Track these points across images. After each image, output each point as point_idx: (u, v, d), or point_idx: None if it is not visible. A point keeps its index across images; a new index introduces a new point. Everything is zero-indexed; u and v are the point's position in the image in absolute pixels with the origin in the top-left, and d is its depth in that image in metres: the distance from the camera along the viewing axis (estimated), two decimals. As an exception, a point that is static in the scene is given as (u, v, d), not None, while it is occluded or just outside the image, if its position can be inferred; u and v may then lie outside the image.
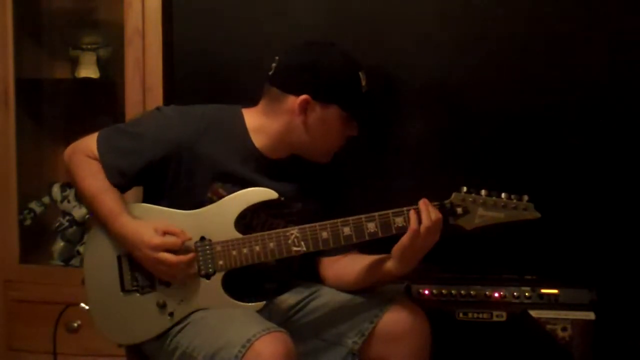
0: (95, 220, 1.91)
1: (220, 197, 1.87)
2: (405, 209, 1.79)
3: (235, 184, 1.87)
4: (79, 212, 2.77)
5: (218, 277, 1.85)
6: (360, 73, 1.87)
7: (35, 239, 2.81)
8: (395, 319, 1.88)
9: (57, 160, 2.93)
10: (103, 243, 1.90)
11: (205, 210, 1.87)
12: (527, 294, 2.35)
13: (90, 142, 1.91)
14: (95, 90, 2.83)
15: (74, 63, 2.80)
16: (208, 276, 1.85)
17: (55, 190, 2.81)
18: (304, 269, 2.03)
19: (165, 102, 2.61)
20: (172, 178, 1.88)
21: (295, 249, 1.82)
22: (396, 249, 1.79)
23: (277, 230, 1.84)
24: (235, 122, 1.92)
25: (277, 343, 1.66)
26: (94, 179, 1.87)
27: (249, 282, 1.89)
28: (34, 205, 2.79)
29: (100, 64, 2.78)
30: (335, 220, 1.81)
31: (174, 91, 2.69)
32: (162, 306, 1.85)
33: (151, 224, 1.82)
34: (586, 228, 2.60)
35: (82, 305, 1.93)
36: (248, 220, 1.88)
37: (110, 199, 1.86)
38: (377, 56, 2.61)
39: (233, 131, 1.91)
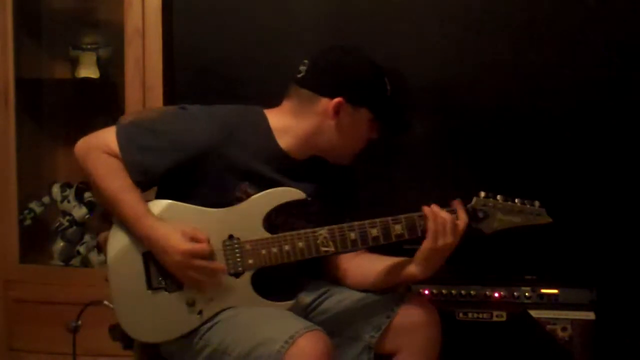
0: (116, 219, 1.87)
1: (249, 196, 1.86)
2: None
3: (262, 184, 1.87)
4: (79, 212, 2.77)
5: (247, 275, 1.85)
6: (385, 78, 1.91)
7: (35, 239, 2.81)
8: (409, 313, 1.90)
9: (57, 160, 2.94)
10: (126, 240, 1.86)
11: (233, 209, 1.86)
12: (527, 294, 2.35)
13: (107, 138, 1.86)
14: (95, 90, 2.83)
15: (74, 63, 2.80)
16: (237, 275, 1.85)
17: (55, 190, 2.81)
18: (313, 268, 2.04)
19: (165, 102, 2.61)
20: (200, 178, 1.86)
21: (324, 249, 1.83)
22: (419, 253, 1.83)
23: (306, 230, 1.84)
24: (260, 123, 1.91)
25: (319, 341, 1.68)
26: (115, 177, 1.83)
27: (272, 281, 1.88)
28: (34, 205, 2.79)
29: (100, 64, 2.78)
30: (363, 222, 1.83)
31: (174, 91, 2.69)
32: (191, 305, 1.84)
33: (178, 227, 1.80)
34: (586, 228, 2.60)
35: (106, 302, 1.90)
36: (274, 219, 1.88)
37: (133, 199, 1.82)
38: (377, 56, 2.61)
39: (258, 132, 1.90)
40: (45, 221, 2.84)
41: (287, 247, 1.83)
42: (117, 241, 1.87)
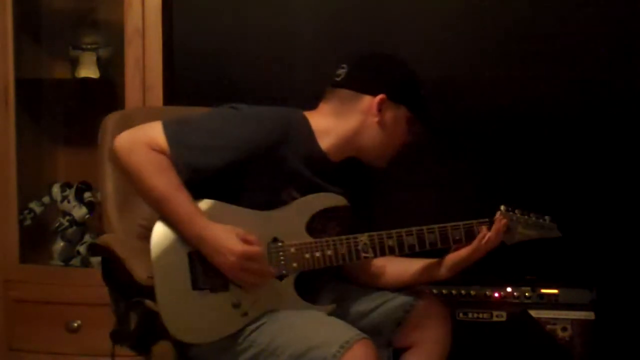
0: (164, 219, 1.83)
1: (293, 199, 1.88)
2: (461, 223, 1.89)
3: (305, 187, 1.89)
4: (79, 212, 2.77)
5: (290, 278, 1.85)
6: (417, 79, 1.97)
7: (35, 239, 2.80)
8: (425, 309, 1.97)
9: (57, 160, 2.94)
10: (172, 239, 1.82)
11: (278, 212, 1.86)
12: (527, 294, 2.35)
13: (154, 134, 1.80)
14: (95, 90, 2.83)
15: (74, 63, 2.80)
16: (281, 277, 1.85)
17: (55, 190, 2.81)
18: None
19: (165, 102, 2.61)
20: (249, 179, 1.85)
21: (364, 255, 1.87)
22: (450, 259, 1.91)
23: (347, 236, 1.87)
24: (303, 125, 1.92)
25: (371, 349, 1.71)
26: (164, 175, 1.78)
27: (311, 284, 1.91)
28: (34, 205, 2.79)
29: (100, 64, 2.78)
30: (400, 230, 1.88)
31: (174, 91, 2.69)
32: (236, 306, 1.82)
33: (232, 229, 1.78)
34: (586, 228, 2.60)
35: (148, 302, 1.84)
36: (315, 224, 1.90)
37: (184, 198, 1.79)
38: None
39: (301, 134, 1.91)
40: (45, 221, 2.84)
41: (329, 252, 1.86)
42: (162, 240, 1.83)
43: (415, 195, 2.58)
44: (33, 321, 2.66)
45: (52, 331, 2.62)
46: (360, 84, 1.92)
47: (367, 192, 2.05)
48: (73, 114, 2.86)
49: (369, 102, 1.91)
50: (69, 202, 2.79)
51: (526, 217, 1.94)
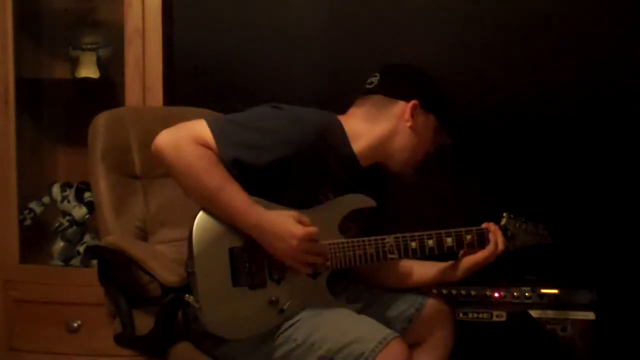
0: (218, 213, 1.82)
1: (328, 199, 1.92)
2: (474, 228, 1.96)
3: (339, 188, 1.93)
4: (79, 212, 2.77)
5: (324, 276, 1.90)
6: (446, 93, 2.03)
7: (35, 239, 2.81)
8: (433, 307, 2.03)
9: (57, 160, 2.94)
10: (215, 235, 1.83)
11: (313, 211, 1.89)
12: (527, 294, 2.35)
13: (200, 130, 1.81)
14: (95, 90, 2.83)
15: (74, 63, 2.80)
16: (314, 275, 1.89)
17: (55, 190, 2.81)
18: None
19: (165, 102, 2.61)
20: (289, 178, 1.87)
21: (390, 256, 1.92)
22: (469, 261, 1.97)
23: (375, 237, 1.91)
24: (338, 128, 1.96)
25: (406, 348, 1.78)
26: (216, 169, 1.79)
27: (337, 283, 1.96)
28: (34, 205, 2.79)
29: (100, 64, 2.78)
30: (422, 233, 1.93)
31: (174, 91, 2.69)
32: (274, 302, 1.84)
33: (289, 213, 1.82)
34: (586, 228, 2.60)
35: (187, 296, 1.83)
36: (346, 224, 1.95)
37: (239, 190, 1.80)
38: (377, 56, 2.62)
39: (336, 137, 1.95)
40: (45, 221, 2.84)
41: (359, 252, 1.90)
42: (205, 236, 1.83)
43: (414, 196, 2.57)
44: (33, 321, 2.67)
45: (52, 331, 2.62)
46: (393, 90, 1.98)
47: (383, 198, 2.08)
48: (73, 114, 2.86)
49: (403, 107, 1.97)
50: (69, 202, 2.79)
51: (526, 224, 2.02)
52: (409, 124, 1.97)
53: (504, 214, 1.99)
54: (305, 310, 1.86)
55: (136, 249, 1.95)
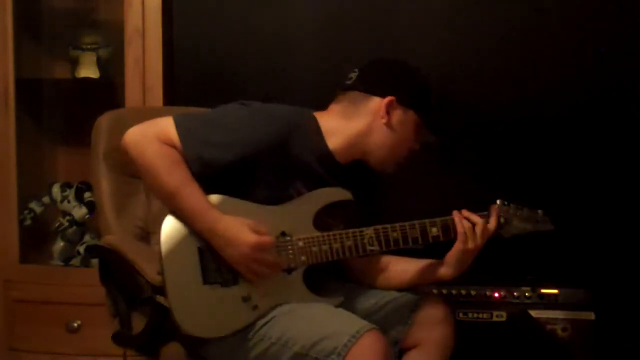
0: (175, 213, 1.84)
1: (300, 194, 1.91)
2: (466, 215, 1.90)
3: (313, 183, 1.92)
4: (79, 212, 2.77)
5: (299, 272, 1.88)
6: (430, 86, 1.99)
7: (35, 239, 2.80)
8: (430, 308, 1.98)
9: (57, 160, 2.94)
10: (182, 234, 1.83)
11: (285, 206, 1.89)
12: (527, 294, 2.35)
13: (165, 128, 1.81)
14: (95, 90, 2.83)
15: (74, 63, 2.80)
16: (289, 271, 1.87)
17: (55, 190, 2.81)
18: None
19: (165, 102, 2.61)
20: (257, 174, 1.87)
21: (370, 248, 1.89)
22: (451, 254, 1.91)
23: (354, 230, 1.89)
24: (312, 125, 1.95)
25: (381, 340, 1.73)
26: (176, 169, 1.80)
27: (319, 278, 1.93)
28: (34, 205, 2.79)
29: (100, 64, 2.78)
30: (404, 223, 1.89)
31: (174, 91, 2.69)
32: (246, 299, 1.84)
33: (243, 221, 1.80)
34: (586, 228, 2.60)
35: (159, 297, 1.84)
36: (322, 218, 1.92)
37: (196, 192, 1.80)
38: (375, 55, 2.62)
39: (310, 133, 1.94)
40: (45, 221, 2.84)
41: (336, 245, 1.88)
42: (172, 235, 1.83)
43: (414, 194, 2.58)
44: (33, 321, 2.66)
45: (52, 331, 2.62)
46: (370, 85, 1.95)
47: (373, 195, 2.07)
48: (73, 114, 2.86)
49: (378, 103, 1.93)
50: (69, 202, 2.79)
51: (521, 211, 1.95)
52: (384, 120, 1.93)
53: (497, 201, 1.94)
54: (281, 306, 1.84)
55: (128, 249, 1.95)
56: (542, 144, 2.64)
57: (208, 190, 1.85)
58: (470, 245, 1.88)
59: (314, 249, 1.87)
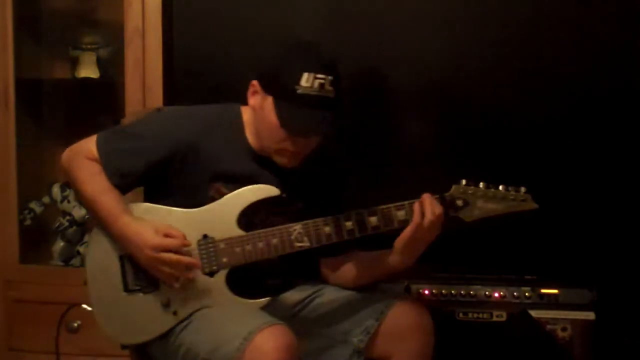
0: (96, 221, 1.91)
1: (222, 195, 1.87)
2: (407, 202, 1.80)
3: (237, 182, 1.87)
4: (79, 212, 2.77)
5: (222, 274, 1.85)
6: (306, 74, 1.76)
7: (35, 239, 2.80)
8: (399, 316, 1.88)
9: (57, 160, 2.89)
10: (105, 243, 1.89)
11: (207, 209, 1.86)
12: (527, 294, 2.35)
13: (89, 144, 1.90)
14: (95, 90, 2.82)
15: (74, 63, 2.80)
16: (212, 274, 1.85)
17: (55, 190, 2.81)
18: (307, 269, 2.03)
19: (165, 102, 2.61)
20: (174, 178, 1.88)
21: (298, 244, 1.83)
22: (398, 241, 1.80)
23: (280, 227, 1.84)
24: (234, 120, 1.92)
25: (278, 336, 1.68)
26: (94, 180, 1.87)
27: (252, 279, 1.89)
28: (34, 205, 2.79)
29: (100, 64, 2.78)
30: (338, 215, 1.83)
31: (174, 91, 2.69)
32: (166, 305, 1.85)
33: (152, 224, 1.82)
34: (586, 228, 2.60)
35: (84, 306, 1.92)
36: (250, 217, 1.88)
37: (111, 200, 1.85)
38: (376, 56, 2.63)
39: (232, 129, 1.90)
40: (45, 221, 2.84)
41: (261, 245, 1.83)
42: (96, 245, 1.91)
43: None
44: (33, 321, 2.66)
45: (52, 331, 2.61)
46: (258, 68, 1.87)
47: (334, 187, 1.98)
48: (73, 114, 2.86)
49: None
50: (69, 202, 2.79)
51: (491, 190, 1.80)
52: (250, 102, 1.85)
53: (463, 181, 1.79)
54: (200, 311, 1.84)
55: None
56: (543, 142, 2.63)
57: (146, 198, 1.91)
58: (422, 233, 1.76)
59: (236, 249, 1.83)
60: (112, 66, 2.79)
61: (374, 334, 1.87)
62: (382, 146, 2.65)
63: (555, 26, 2.61)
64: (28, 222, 2.77)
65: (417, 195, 1.81)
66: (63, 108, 2.91)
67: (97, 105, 2.80)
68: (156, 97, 2.60)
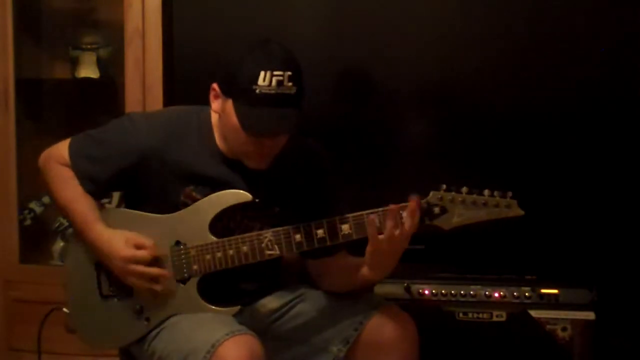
0: (72, 226, 1.93)
1: (194, 200, 1.84)
2: (380, 209, 1.71)
3: (207, 186, 1.84)
4: (79, 212, 2.77)
5: (193, 281, 1.84)
6: (263, 72, 1.71)
7: (35, 239, 2.81)
8: (380, 327, 1.83)
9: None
10: (82, 248, 1.90)
11: (179, 215, 1.84)
12: (527, 294, 2.35)
13: (62, 149, 1.90)
14: (95, 90, 2.83)
15: (74, 63, 2.80)
16: (184, 281, 1.84)
17: (55, 190, 2.81)
18: (285, 274, 2.03)
19: (165, 102, 2.61)
20: (144, 184, 1.86)
21: (268, 252, 1.80)
22: (367, 253, 1.74)
23: (251, 234, 1.81)
24: (203, 123, 1.88)
25: (241, 346, 1.66)
26: (66, 186, 1.88)
27: (226, 286, 1.87)
28: (34, 205, 2.79)
29: (100, 64, 2.78)
30: (309, 223, 1.78)
31: (174, 91, 2.69)
32: (138, 312, 1.86)
33: (123, 235, 1.82)
34: (586, 228, 2.60)
35: (64, 309, 1.93)
36: (225, 222, 1.85)
37: (83, 207, 1.86)
38: (377, 56, 2.62)
39: (201, 133, 1.87)
40: (45, 221, 2.84)
41: (231, 252, 1.81)
42: (73, 250, 1.93)
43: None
44: (33, 321, 2.66)
45: (52, 331, 2.61)
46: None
47: (320, 191, 1.92)
48: (73, 114, 2.86)
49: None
50: (69, 202, 2.79)
51: (473, 195, 1.70)
52: (212, 107, 1.81)
53: (443, 186, 1.69)
54: (171, 318, 1.83)
55: None
56: (543, 142, 2.63)
57: (130, 203, 1.91)
58: (389, 245, 1.68)
59: (207, 257, 1.81)
60: (112, 66, 2.79)
61: (353, 344, 1.84)
62: (380, 146, 2.64)
63: (555, 26, 2.61)
64: (28, 222, 2.77)
65: (401, 202, 1.74)
66: (63, 108, 2.91)
67: (97, 105, 2.80)
68: (156, 97, 2.60)
